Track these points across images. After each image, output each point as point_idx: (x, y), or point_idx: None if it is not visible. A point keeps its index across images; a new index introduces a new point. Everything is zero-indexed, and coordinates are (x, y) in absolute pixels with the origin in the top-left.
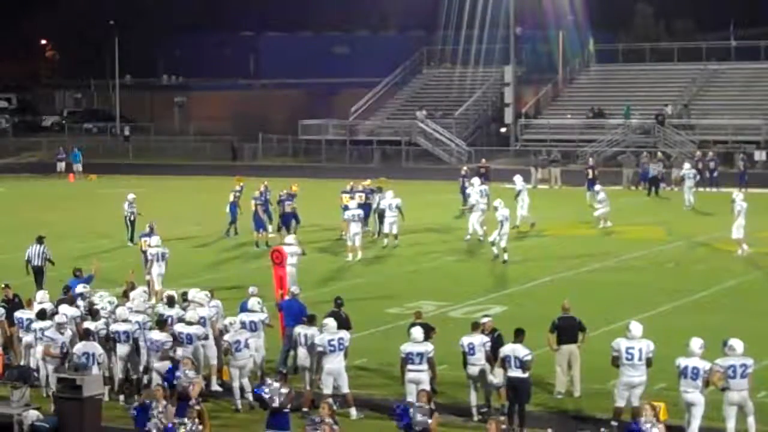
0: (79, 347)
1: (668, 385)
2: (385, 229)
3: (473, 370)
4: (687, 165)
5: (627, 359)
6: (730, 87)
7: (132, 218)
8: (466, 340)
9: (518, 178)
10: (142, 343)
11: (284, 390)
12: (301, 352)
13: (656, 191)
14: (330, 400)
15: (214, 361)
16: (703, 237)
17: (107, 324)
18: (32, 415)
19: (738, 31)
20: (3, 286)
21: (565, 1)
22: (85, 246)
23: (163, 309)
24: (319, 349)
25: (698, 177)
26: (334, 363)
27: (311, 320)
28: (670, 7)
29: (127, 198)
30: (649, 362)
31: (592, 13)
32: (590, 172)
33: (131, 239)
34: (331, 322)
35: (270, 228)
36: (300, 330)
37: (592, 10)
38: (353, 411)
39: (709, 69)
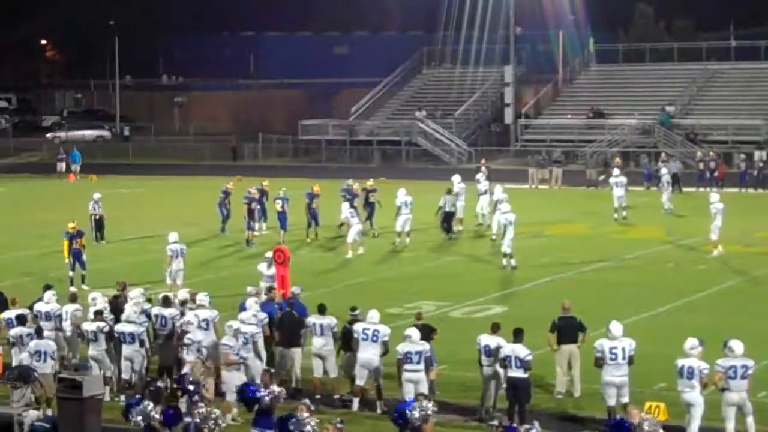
0: (32, 345)
1: (668, 385)
2: (398, 227)
3: (489, 371)
4: (664, 165)
5: (611, 359)
6: (730, 87)
7: (98, 218)
8: (483, 341)
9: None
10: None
11: (274, 390)
12: (317, 341)
13: (680, 189)
14: (307, 400)
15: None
16: (702, 237)
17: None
18: (32, 415)
19: (738, 31)
20: None
21: (565, 1)
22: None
23: (158, 309)
24: (354, 335)
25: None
26: (368, 353)
27: (322, 310)
28: (670, 7)
29: (93, 197)
30: (630, 360)
31: (592, 13)
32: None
33: (101, 238)
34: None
35: (256, 227)
36: (314, 320)
37: (592, 10)
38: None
39: (709, 69)
